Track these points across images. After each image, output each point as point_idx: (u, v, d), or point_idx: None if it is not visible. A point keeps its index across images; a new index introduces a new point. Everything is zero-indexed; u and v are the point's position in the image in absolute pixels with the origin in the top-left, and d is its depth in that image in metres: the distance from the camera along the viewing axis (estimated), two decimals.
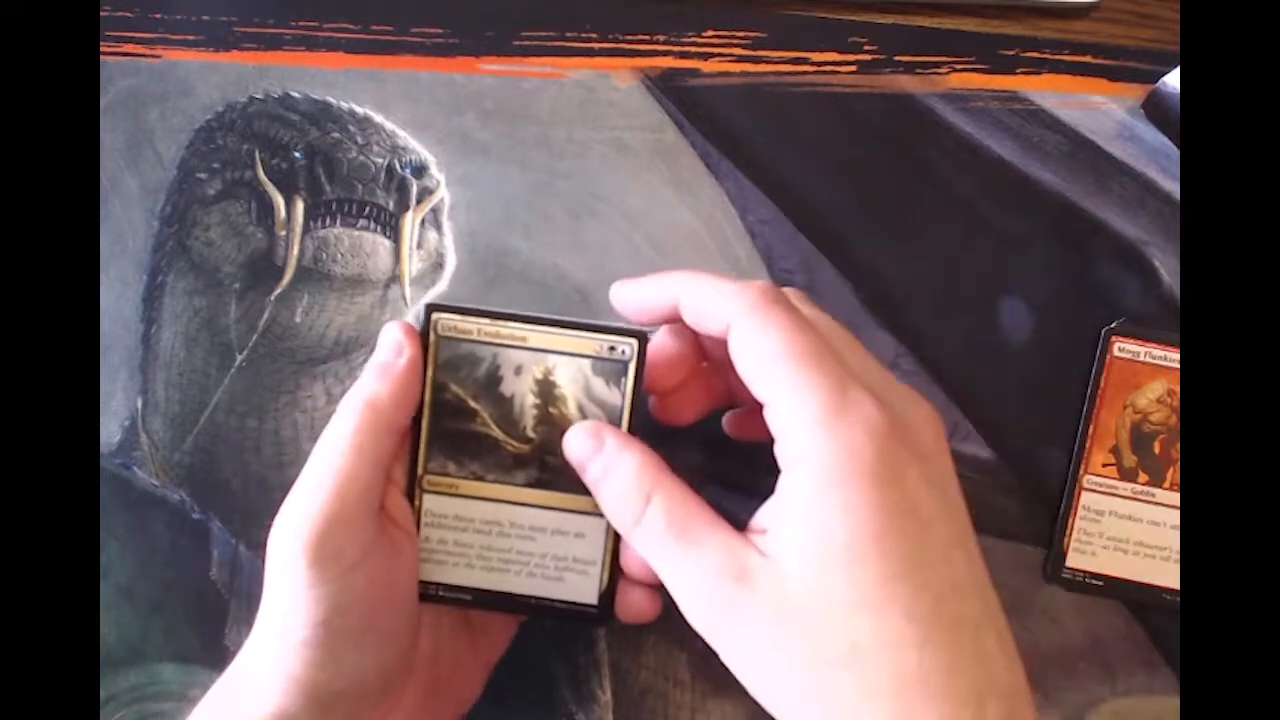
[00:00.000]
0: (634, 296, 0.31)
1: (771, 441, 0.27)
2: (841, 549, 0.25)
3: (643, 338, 0.31)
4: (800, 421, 0.26)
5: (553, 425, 0.31)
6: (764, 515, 0.27)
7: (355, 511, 0.29)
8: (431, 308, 0.31)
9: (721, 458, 0.37)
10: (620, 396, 0.31)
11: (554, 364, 0.31)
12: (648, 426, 0.36)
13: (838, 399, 0.26)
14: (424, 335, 0.31)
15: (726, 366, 0.29)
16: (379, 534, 0.30)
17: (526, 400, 0.31)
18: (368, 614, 0.29)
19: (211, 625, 0.38)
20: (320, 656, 0.29)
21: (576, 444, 0.30)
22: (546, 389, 0.31)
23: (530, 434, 0.32)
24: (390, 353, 0.31)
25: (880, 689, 0.25)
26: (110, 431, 0.39)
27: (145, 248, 0.40)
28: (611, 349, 0.31)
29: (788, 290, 0.30)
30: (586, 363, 0.31)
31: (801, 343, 0.27)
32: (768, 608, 0.26)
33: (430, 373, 0.31)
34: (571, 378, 0.31)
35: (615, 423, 0.31)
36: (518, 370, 0.31)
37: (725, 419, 0.36)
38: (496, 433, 0.32)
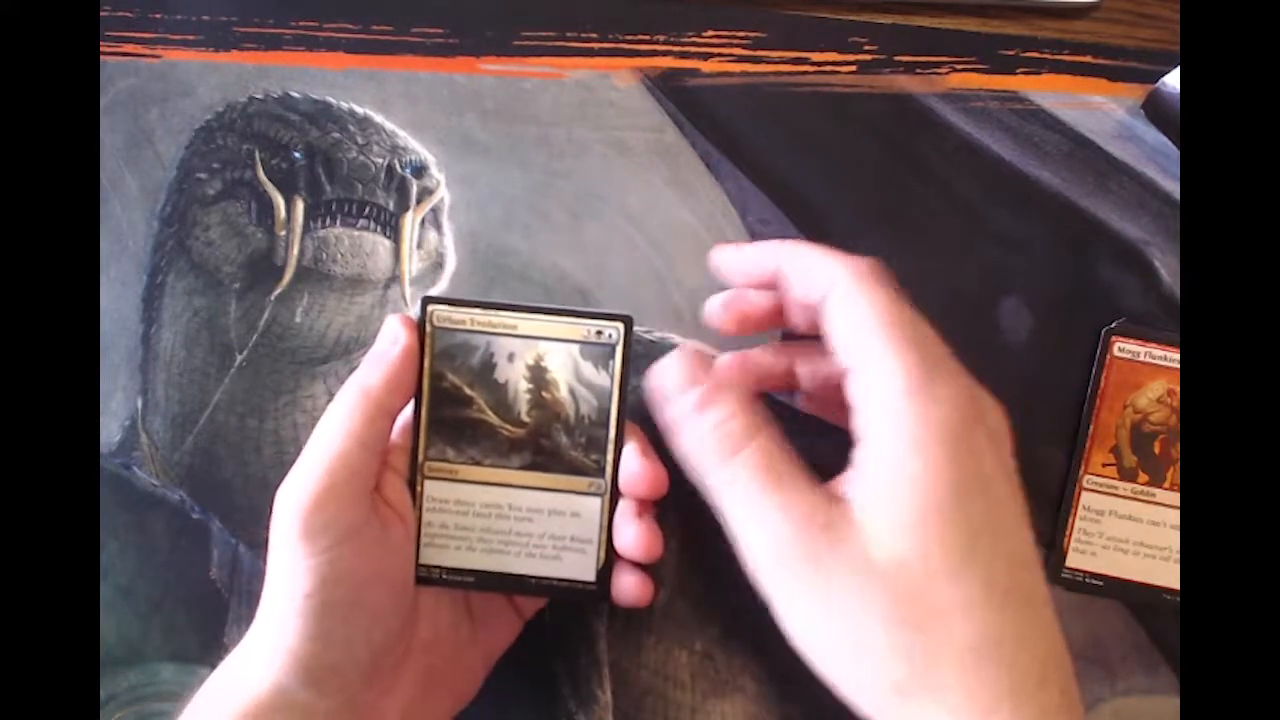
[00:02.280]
0: (734, 259, 0.32)
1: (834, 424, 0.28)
2: (922, 514, 0.26)
3: (628, 321, 0.32)
4: (887, 391, 0.27)
5: (545, 409, 0.32)
6: (842, 484, 0.28)
7: (345, 490, 0.30)
8: (427, 300, 0.32)
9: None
10: (609, 379, 0.32)
11: (544, 350, 0.32)
12: (644, 423, 0.36)
13: (925, 373, 0.27)
14: (420, 327, 0.32)
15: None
16: (370, 514, 0.31)
17: (520, 386, 0.32)
18: (355, 589, 0.30)
19: (211, 625, 0.38)
20: (310, 628, 0.30)
21: (672, 372, 0.31)
22: (538, 374, 0.32)
23: (524, 418, 0.33)
24: (386, 342, 0.32)
25: (955, 651, 0.25)
26: (110, 431, 0.39)
27: (145, 248, 0.40)
28: (598, 333, 0.32)
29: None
30: (575, 347, 0.32)
31: (897, 316, 0.28)
32: (852, 563, 0.26)
33: (427, 363, 0.32)
34: (561, 363, 0.32)
35: (605, 406, 0.32)
36: (510, 357, 0.32)
37: (798, 397, 0.35)
38: (492, 418, 0.33)
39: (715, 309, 0.33)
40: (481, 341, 0.32)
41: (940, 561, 0.26)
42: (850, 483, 0.28)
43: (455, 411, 0.32)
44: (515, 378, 0.32)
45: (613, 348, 0.32)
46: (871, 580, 0.26)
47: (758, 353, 0.33)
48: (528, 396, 0.32)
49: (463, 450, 0.33)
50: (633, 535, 0.32)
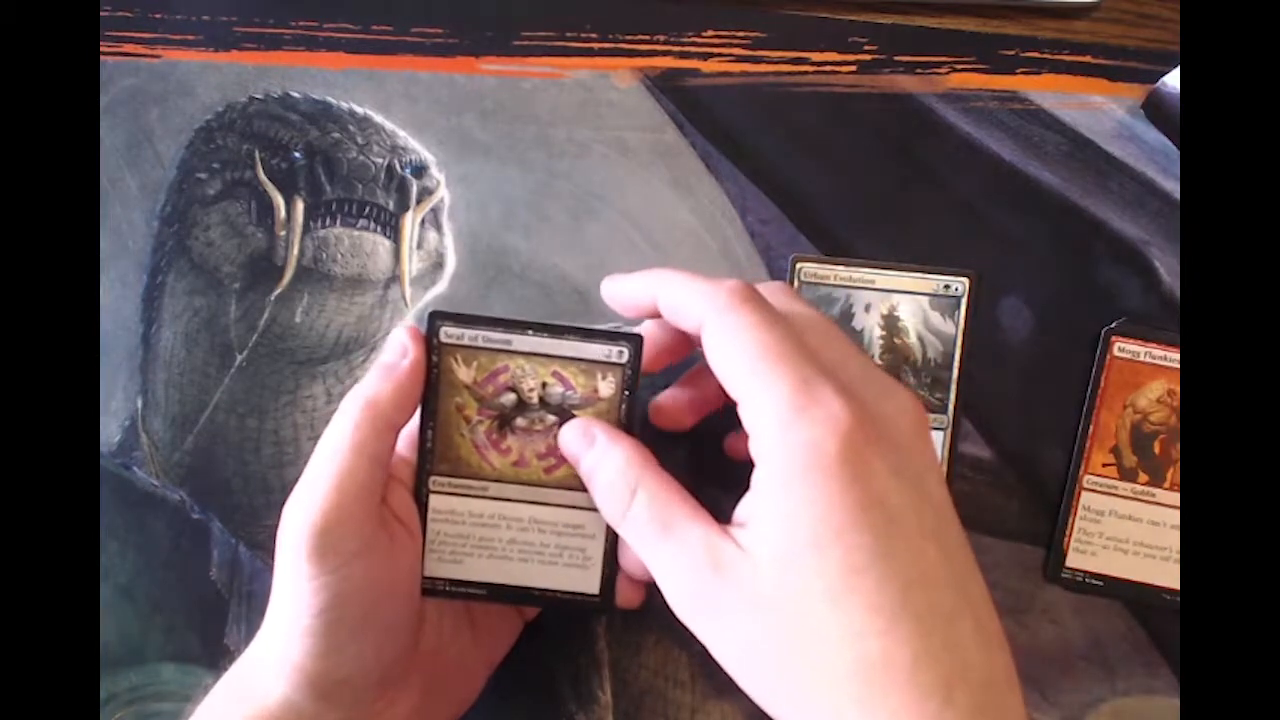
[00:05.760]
0: (619, 292, 0.32)
1: None
2: (805, 543, 0.25)
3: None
4: (765, 418, 0.26)
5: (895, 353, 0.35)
6: (741, 509, 0.28)
7: (354, 506, 0.29)
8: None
9: (716, 455, 0.37)
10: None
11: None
12: (644, 436, 0.36)
13: (802, 395, 0.26)
14: (427, 341, 0.32)
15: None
16: (379, 528, 0.30)
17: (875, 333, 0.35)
18: (367, 605, 0.30)
19: (211, 625, 0.38)
20: (321, 645, 0.29)
21: (570, 440, 0.31)
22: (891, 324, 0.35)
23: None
24: (395, 354, 0.31)
25: (845, 678, 0.25)
26: (110, 431, 0.39)
27: (145, 248, 0.40)
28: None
29: (769, 285, 0.31)
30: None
31: (768, 340, 0.27)
32: (742, 598, 0.26)
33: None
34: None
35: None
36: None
37: (726, 440, 0.36)
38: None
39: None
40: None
41: (823, 589, 0.25)
42: (746, 508, 0.27)
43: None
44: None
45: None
46: (760, 614, 0.26)
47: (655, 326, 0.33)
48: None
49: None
50: (635, 559, 0.31)
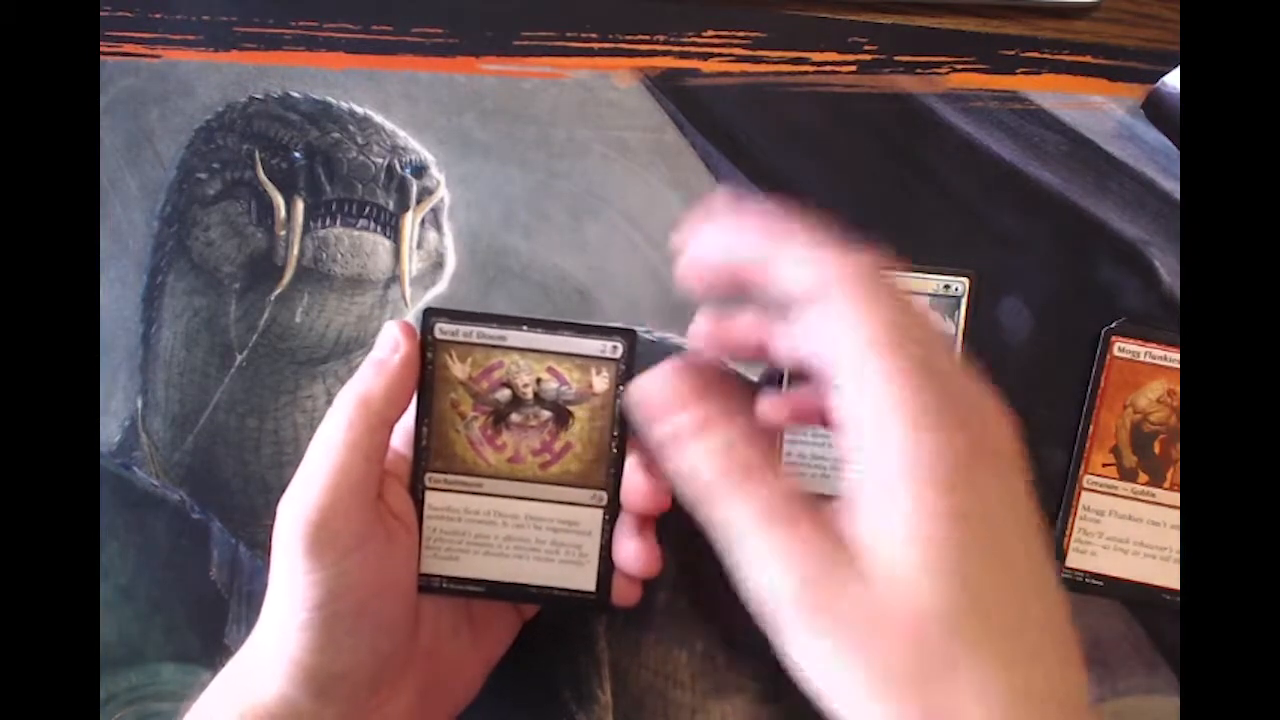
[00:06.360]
0: (710, 241, 0.28)
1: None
2: (926, 566, 0.24)
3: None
4: (883, 422, 0.24)
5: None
6: (851, 517, 0.25)
7: (349, 502, 0.29)
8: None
9: None
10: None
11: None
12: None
13: (924, 399, 0.24)
14: (423, 337, 0.32)
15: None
16: (375, 524, 0.30)
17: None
18: (362, 599, 0.30)
19: (211, 625, 0.38)
20: (317, 640, 0.29)
21: (661, 389, 0.28)
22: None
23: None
24: (386, 349, 0.31)
25: (986, 710, 0.23)
26: (110, 431, 0.39)
27: (145, 248, 0.40)
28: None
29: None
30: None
31: (898, 335, 0.24)
32: (864, 612, 0.24)
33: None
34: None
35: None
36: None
37: (767, 403, 0.30)
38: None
39: (701, 330, 0.30)
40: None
41: (950, 609, 0.24)
42: (851, 518, 0.25)
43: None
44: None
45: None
46: (881, 633, 0.24)
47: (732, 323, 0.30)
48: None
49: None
50: (631, 551, 0.32)
